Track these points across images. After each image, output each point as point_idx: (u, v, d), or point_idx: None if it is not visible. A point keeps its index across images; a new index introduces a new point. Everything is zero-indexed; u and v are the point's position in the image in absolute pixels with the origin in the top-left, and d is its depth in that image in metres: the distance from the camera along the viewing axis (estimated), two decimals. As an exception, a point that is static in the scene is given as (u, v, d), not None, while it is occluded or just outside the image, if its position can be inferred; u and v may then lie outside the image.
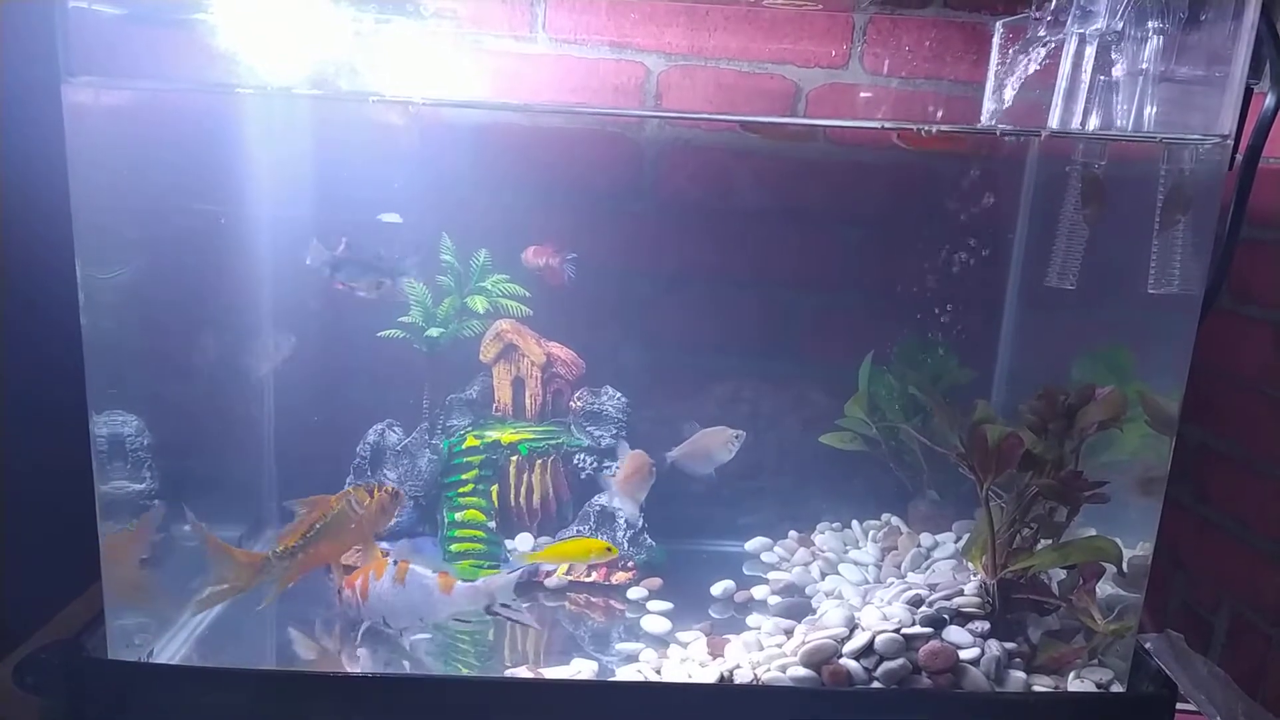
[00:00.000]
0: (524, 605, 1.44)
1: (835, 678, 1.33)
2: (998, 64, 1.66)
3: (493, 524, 1.68)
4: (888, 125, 1.80)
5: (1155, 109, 1.36)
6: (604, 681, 1.38)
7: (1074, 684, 1.38)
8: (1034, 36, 1.50)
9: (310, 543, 1.41)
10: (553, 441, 1.73)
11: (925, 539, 1.73)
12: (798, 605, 1.55)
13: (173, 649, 1.41)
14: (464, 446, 1.69)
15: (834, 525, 1.84)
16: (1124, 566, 1.40)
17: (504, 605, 1.39)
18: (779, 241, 1.83)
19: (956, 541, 1.70)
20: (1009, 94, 1.59)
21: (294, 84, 1.47)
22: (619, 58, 1.75)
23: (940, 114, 1.79)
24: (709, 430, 1.71)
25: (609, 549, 1.51)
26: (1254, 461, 1.60)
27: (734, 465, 1.82)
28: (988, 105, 1.68)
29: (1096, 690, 1.38)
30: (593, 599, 1.64)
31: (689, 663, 1.41)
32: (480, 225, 1.72)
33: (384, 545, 1.60)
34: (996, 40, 1.67)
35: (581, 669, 1.41)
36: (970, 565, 1.52)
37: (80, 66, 1.21)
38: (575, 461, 1.73)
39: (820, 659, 1.34)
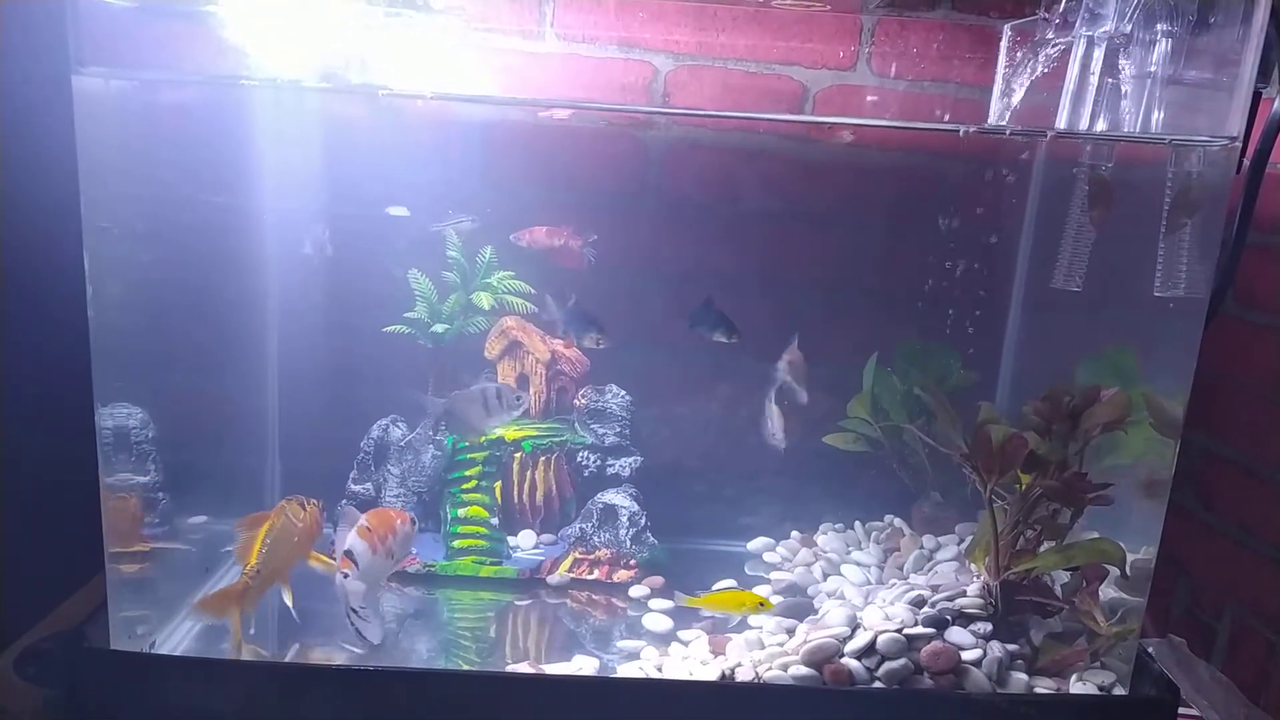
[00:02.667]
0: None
1: (837, 677, 1.33)
2: (1005, 67, 1.66)
3: (495, 521, 1.68)
4: (899, 125, 1.81)
5: (1162, 114, 1.36)
6: (605, 678, 1.38)
7: (1076, 686, 1.38)
8: (1042, 39, 1.50)
9: (268, 558, 1.38)
10: (556, 439, 1.73)
11: (928, 541, 1.73)
12: (799, 605, 1.55)
13: (175, 640, 1.41)
14: (468, 443, 1.69)
15: (836, 526, 1.84)
16: (1127, 569, 1.40)
17: (353, 610, 1.39)
18: (784, 241, 1.84)
19: (959, 544, 1.69)
20: (1016, 97, 1.59)
21: (303, 77, 1.48)
22: (627, 57, 1.75)
23: (947, 117, 1.79)
24: None
25: (763, 603, 1.46)
26: (1258, 467, 1.59)
27: (737, 464, 1.82)
28: (995, 108, 1.68)
29: (1098, 693, 1.38)
30: (595, 597, 1.64)
31: (690, 661, 1.41)
32: (486, 222, 1.72)
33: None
34: (1004, 43, 1.67)
35: (583, 666, 1.41)
36: (973, 566, 1.52)
37: (91, 57, 1.21)
38: (579, 459, 1.73)
39: (822, 658, 1.34)
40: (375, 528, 1.43)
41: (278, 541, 1.39)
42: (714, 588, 1.59)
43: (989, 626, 1.40)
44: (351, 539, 1.41)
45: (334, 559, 1.43)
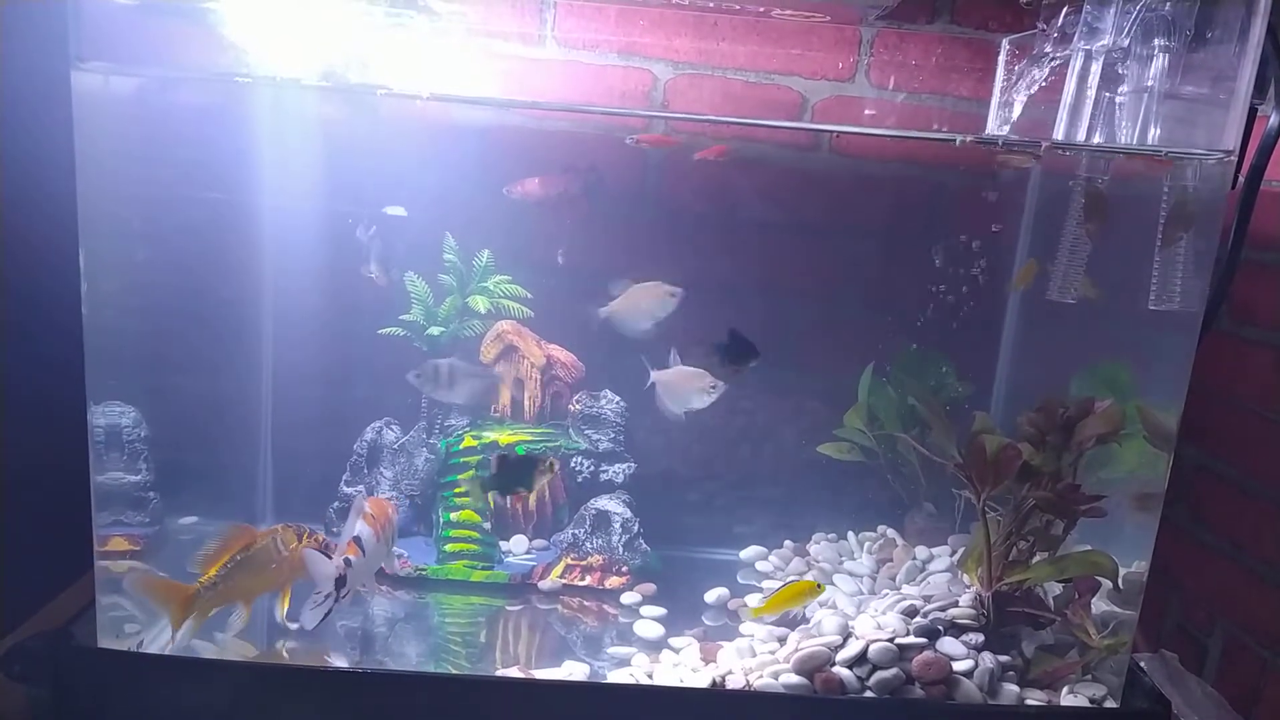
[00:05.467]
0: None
1: (828, 685, 1.33)
2: (1003, 80, 1.67)
3: (488, 525, 1.68)
4: (896, 134, 1.81)
5: (1159, 130, 1.37)
6: (595, 683, 1.38)
7: (1067, 699, 1.38)
8: (1040, 52, 1.50)
9: (230, 575, 1.33)
10: (550, 444, 1.72)
11: (920, 552, 1.73)
12: (791, 614, 1.55)
13: (164, 639, 1.40)
14: (461, 447, 1.69)
15: (829, 536, 1.83)
16: (1119, 582, 1.40)
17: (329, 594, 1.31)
18: (781, 250, 1.84)
19: (952, 555, 1.69)
20: (1014, 110, 1.60)
21: (303, 75, 1.47)
22: (627, 64, 1.75)
23: (945, 129, 1.79)
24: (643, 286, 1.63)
25: (818, 586, 1.47)
26: (1250, 484, 1.59)
27: (732, 474, 1.82)
28: (993, 121, 1.69)
29: (1089, 705, 1.37)
30: (586, 603, 1.63)
31: (681, 668, 1.41)
32: (484, 225, 1.72)
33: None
34: (1003, 57, 1.68)
35: (573, 672, 1.40)
36: (965, 577, 1.52)
37: (90, 53, 1.21)
38: (572, 464, 1.72)
39: (813, 666, 1.34)
40: (376, 515, 1.41)
41: (250, 562, 1.34)
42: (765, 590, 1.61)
43: (981, 637, 1.40)
44: (360, 526, 1.37)
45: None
